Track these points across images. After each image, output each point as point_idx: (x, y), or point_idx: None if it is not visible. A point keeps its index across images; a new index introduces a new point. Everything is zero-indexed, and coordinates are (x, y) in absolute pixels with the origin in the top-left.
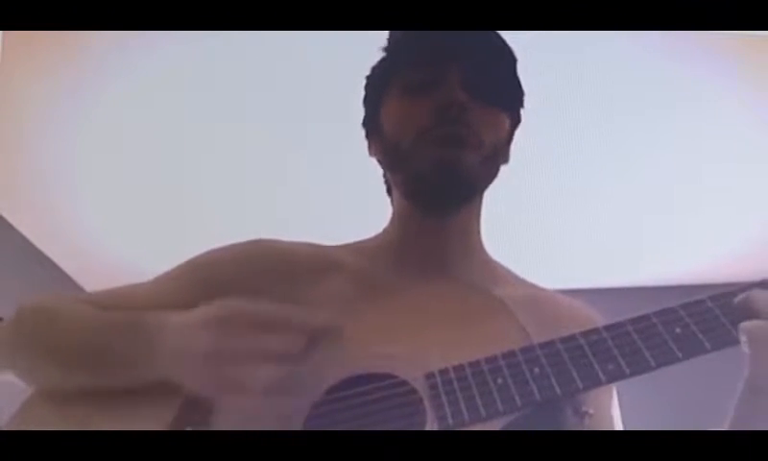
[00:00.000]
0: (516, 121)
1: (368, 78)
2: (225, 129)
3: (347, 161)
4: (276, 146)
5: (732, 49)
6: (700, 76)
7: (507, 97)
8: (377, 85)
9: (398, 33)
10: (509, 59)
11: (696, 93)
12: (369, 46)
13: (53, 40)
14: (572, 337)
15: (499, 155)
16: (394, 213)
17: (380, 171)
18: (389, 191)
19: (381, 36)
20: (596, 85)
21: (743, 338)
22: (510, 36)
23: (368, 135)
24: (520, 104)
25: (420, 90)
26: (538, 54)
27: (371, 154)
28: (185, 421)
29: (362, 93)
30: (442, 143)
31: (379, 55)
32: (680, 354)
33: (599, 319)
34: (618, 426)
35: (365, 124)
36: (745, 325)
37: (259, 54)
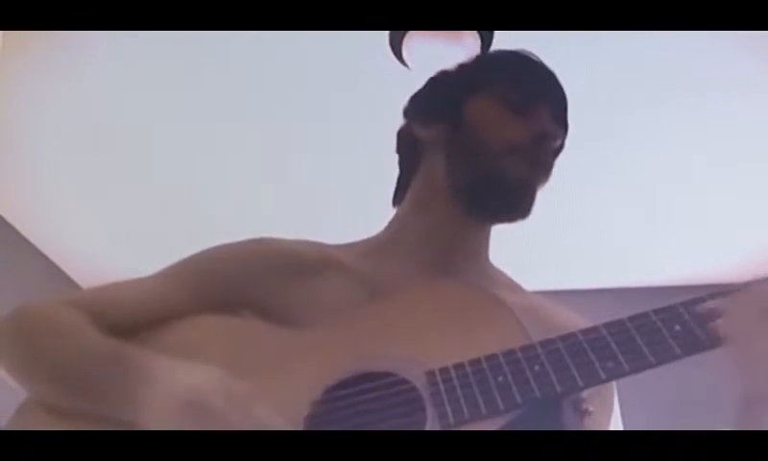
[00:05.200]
0: None
1: (455, 71)
2: (223, 128)
3: (344, 162)
4: (275, 146)
5: (734, 46)
6: (700, 73)
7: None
8: (467, 82)
9: (501, 51)
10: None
11: (695, 91)
12: (368, 46)
13: (53, 40)
14: (572, 335)
15: None
16: (413, 207)
17: (376, 172)
18: (402, 188)
19: (381, 37)
20: (592, 84)
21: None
22: (507, 36)
23: (429, 118)
24: None
25: (517, 110)
26: (539, 53)
27: (423, 134)
28: None
29: (360, 94)
30: (533, 164)
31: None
32: (679, 352)
33: None
34: (618, 425)
35: (431, 108)
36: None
37: (259, 54)
